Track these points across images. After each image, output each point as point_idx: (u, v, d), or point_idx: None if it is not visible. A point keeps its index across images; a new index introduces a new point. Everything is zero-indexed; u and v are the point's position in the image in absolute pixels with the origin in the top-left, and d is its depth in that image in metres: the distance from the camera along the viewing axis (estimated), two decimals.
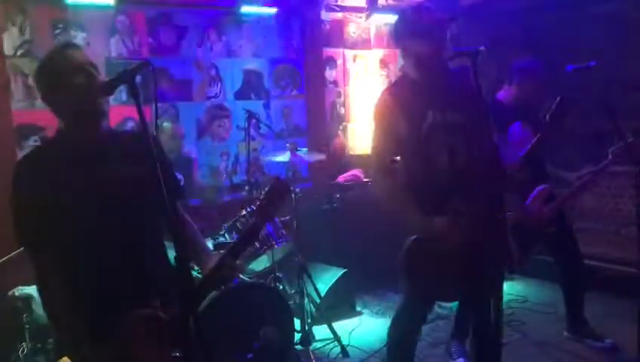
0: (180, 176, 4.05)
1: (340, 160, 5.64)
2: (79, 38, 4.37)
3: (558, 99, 2.90)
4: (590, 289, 3.83)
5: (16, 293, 3.47)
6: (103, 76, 1.87)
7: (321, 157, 4.54)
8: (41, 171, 1.80)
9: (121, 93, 4.29)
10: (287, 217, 4.07)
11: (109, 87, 1.73)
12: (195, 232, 2.08)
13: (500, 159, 2.39)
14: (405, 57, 2.60)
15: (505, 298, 2.98)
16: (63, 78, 1.79)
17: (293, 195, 3.94)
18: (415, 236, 2.45)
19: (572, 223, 3.76)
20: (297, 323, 3.71)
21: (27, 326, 3.35)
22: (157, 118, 1.82)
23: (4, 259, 3.12)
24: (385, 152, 2.55)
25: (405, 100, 2.51)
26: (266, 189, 1.91)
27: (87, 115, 1.83)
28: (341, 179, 5.27)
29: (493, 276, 2.37)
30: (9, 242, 2.02)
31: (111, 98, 1.90)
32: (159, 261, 1.94)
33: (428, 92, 2.50)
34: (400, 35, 2.58)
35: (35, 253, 1.82)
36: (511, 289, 4.70)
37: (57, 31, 4.32)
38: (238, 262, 1.89)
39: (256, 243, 3.55)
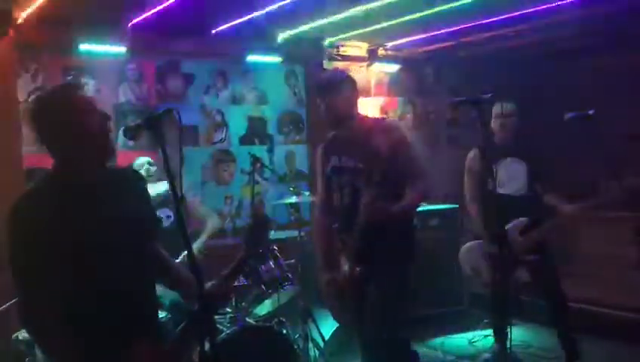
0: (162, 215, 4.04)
1: None
2: (90, 85, 4.50)
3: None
4: (593, 335, 3.82)
5: (20, 337, 3.45)
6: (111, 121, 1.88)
7: None
8: (39, 210, 1.76)
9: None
10: (292, 260, 4.09)
11: (135, 131, 1.80)
12: (179, 266, 2.16)
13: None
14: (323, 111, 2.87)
15: (507, 344, 3.09)
16: (72, 115, 1.75)
17: (298, 238, 3.99)
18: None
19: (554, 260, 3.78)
20: None
21: None
22: (182, 164, 1.88)
23: (7, 304, 3.12)
24: (320, 194, 3.03)
25: (325, 149, 2.99)
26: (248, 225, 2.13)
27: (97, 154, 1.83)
28: None
29: (380, 300, 2.74)
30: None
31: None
32: (148, 297, 1.97)
33: (336, 140, 2.95)
34: (316, 92, 2.96)
35: (26, 282, 1.75)
36: (512, 334, 4.65)
37: (69, 78, 4.44)
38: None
39: (262, 286, 3.57)
